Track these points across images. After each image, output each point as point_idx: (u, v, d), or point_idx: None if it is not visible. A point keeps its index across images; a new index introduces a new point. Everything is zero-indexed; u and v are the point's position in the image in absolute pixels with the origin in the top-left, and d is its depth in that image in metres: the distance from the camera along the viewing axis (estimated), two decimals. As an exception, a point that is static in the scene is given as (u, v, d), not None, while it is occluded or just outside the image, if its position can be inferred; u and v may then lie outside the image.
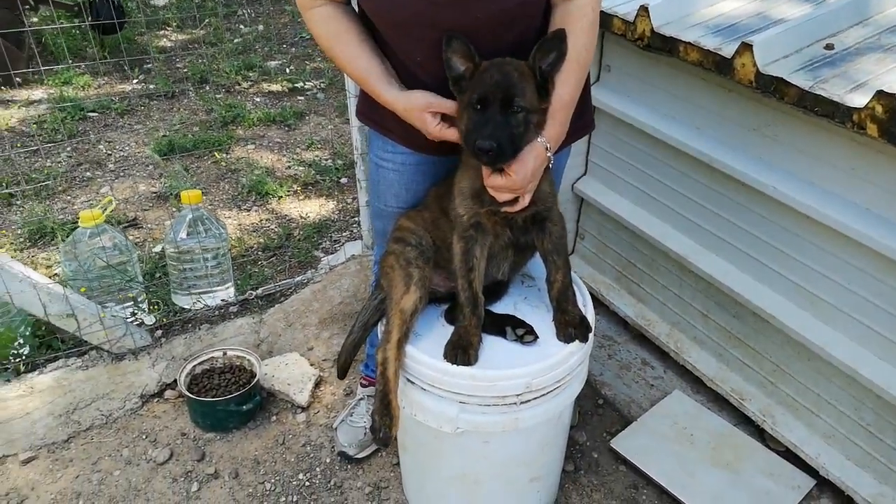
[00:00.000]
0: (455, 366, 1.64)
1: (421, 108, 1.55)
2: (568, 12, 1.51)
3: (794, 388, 2.15)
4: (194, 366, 2.45)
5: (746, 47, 1.80)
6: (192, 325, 2.70)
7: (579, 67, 1.52)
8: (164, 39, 5.86)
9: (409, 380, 1.73)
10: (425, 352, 1.69)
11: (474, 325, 1.68)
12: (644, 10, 2.07)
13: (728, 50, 1.88)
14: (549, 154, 1.53)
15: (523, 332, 1.70)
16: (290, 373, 2.55)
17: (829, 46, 1.84)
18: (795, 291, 2.04)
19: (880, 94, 1.54)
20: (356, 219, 3.47)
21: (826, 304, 1.96)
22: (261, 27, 5.90)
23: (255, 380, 2.39)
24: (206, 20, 5.98)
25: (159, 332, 2.64)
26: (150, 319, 2.67)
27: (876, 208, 1.76)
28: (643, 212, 2.49)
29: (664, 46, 2.06)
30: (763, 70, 1.79)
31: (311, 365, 2.60)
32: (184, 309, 2.77)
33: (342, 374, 1.88)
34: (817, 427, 2.12)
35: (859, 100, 1.62)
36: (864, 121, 1.60)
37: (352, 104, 2.58)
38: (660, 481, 2.14)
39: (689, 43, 1.97)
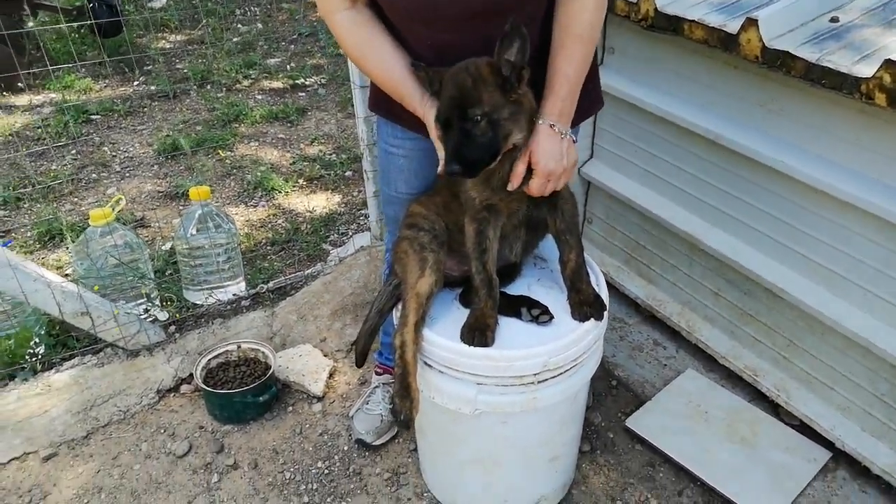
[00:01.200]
0: (472, 347, 1.65)
1: None
2: None
3: (808, 363, 2.16)
4: (209, 359, 2.46)
5: (752, 22, 1.81)
6: (204, 319, 2.71)
7: (583, 44, 1.52)
8: (164, 41, 5.87)
9: (426, 363, 1.74)
10: (442, 335, 1.70)
11: (490, 307, 1.69)
12: (647, -11, 2.08)
13: (733, 26, 1.89)
14: (556, 129, 1.53)
15: (539, 313, 1.71)
16: (305, 364, 2.56)
17: (834, 19, 1.85)
18: (807, 265, 2.05)
19: (888, 63, 1.55)
20: (363, 211, 3.48)
21: (838, 277, 1.97)
22: (259, 25, 5.91)
23: (271, 371, 2.41)
24: (204, 20, 5.99)
25: (173, 328, 2.66)
26: (163, 316, 2.69)
27: (885, 178, 1.77)
28: (651, 192, 2.50)
29: (668, 25, 2.07)
30: (769, 44, 1.80)
31: (325, 355, 2.62)
32: (196, 304, 2.78)
33: (361, 362, 1.89)
34: (832, 400, 2.13)
35: (867, 70, 1.62)
36: (873, 91, 1.61)
37: (357, 96, 2.59)
38: (676, 458, 2.16)
39: (694, 21, 1.98)
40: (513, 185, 1.56)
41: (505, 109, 1.47)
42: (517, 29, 1.42)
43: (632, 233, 2.65)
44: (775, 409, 2.30)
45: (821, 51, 1.73)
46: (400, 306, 1.77)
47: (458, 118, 1.44)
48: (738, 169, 2.14)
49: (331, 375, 2.56)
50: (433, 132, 1.56)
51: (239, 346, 2.52)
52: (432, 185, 1.88)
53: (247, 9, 6.28)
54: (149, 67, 5.31)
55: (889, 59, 1.55)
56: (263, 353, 2.50)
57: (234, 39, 5.68)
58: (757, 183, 2.10)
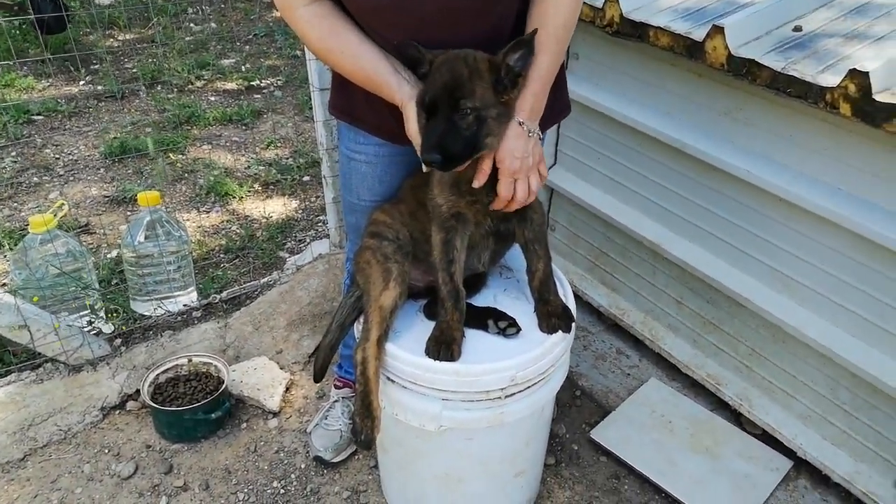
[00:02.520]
0: (438, 362, 1.58)
1: None
2: None
3: (770, 371, 2.16)
4: (157, 374, 2.34)
5: (718, 30, 1.80)
6: (153, 332, 2.58)
7: (557, 42, 1.48)
8: (112, 39, 5.65)
9: (389, 378, 1.67)
10: (406, 349, 1.63)
11: (456, 320, 1.63)
12: (612, -5, 2.05)
13: (699, 33, 1.88)
14: (525, 127, 1.49)
15: (506, 325, 1.66)
16: (260, 377, 2.46)
17: (797, 28, 1.85)
18: (770, 274, 2.05)
19: (853, 73, 1.55)
20: (321, 217, 3.38)
21: (800, 286, 1.98)
22: (213, 24, 5.74)
23: (223, 386, 2.30)
24: (155, 18, 5.79)
25: (118, 341, 2.52)
26: (108, 328, 2.55)
27: (848, 188, 1.78)
28: (615, 200, 2.48)
29: (634, 32, 2.05)
30: (735, 52, 1.79)
31: (281, 368, 2.52)
32: (144, 316, 2.65)
33: (320, 377, 1.81)
34: (794, 409, 2.13)
35: (831, 79, 1.62)
36: (837, 100, 1.61)
37: (316, 99, 2.51)
38: (641, 470, 2.13)
39: (660, 27, 1.96)
40: (478, 181, 1.50)
41: (493, 109, 1.42)
42: (528, 41, 1.41)
43: (595, 241, 2.63)
44: (738, 417, 2.30)
45: (786, 60, 1.73)
46: (362, 319, 1.69)
47: (447, 106, 1.39)
48: (703, 178, 2.13)
49: (287, 389, 2.46)
50: (411, 120, 1.48)
51: (189, 360, 2.40)
52: (396, 193, 1.81)
53: (199, 7, 6.11)
54: (95, 66, 5.10)
55: (854, 69, 1.55)
56: (216, 366, 2.39)
57: (187, 38, 5.51)
58: (721, 192, 2.10)
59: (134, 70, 5.02)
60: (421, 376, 1.61)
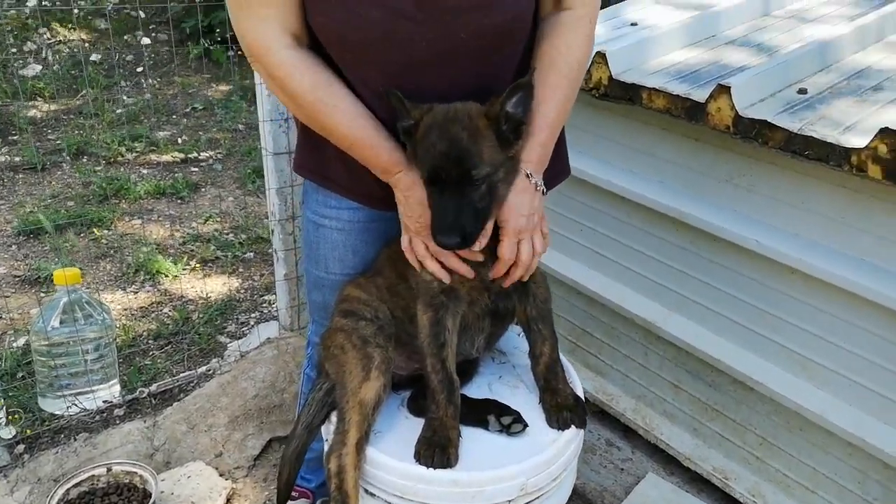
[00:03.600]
0: (432, 469, 1.28)
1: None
2: (560, 23, 1.30)
3: (785, 463, 1.94)
4: (68, 489, 1.92)
5: (723, 90, 1.66)
6: (64, 435, 2.16)
7: (568, 84, 1.30)
8: (35, 110, 5.27)
9: (367, 491, 1.36)
10: (389, 453, 1.33)
11: (451, 416, 1.34)
12: (601, 56, 1.92)
13: (700, 94, 1.74)
14: (532, 181, 1.29)
15: (510, 421, 1.39)
16: (195, 487, 2.06)
17: (802, 91, 1.74)
18: (783, 354, 1.86)
19: (885, 132, 1.42)
20: (266, 297, 3.05)
21: (820, 367, 1.79)
22: (148, 96, 5.46)
23: (151, 502, 1.89)
24: (85, 90, 5.46)
25: (21, 448, 2.09)
26: (8, 432, 2.11)
27: (872, 258, 1.63)
28: (598, 275, 2.28)
29: (624, 94, 1.91)
30: (742, 113, 1.65)
31: (221, 475, 2.13)
32: (54, 415, 2.23)
33: (285, 497, 1.46)
34: (815, 506, 1.90)
35: (857, 140, 1.49)
36: (865, 162, 1.47)
37: (269, 164, 2.25)
38: (652, 586, 1.84)
39: (655, 89, 1.82)
40: (481, 243, 1.27)
41: (502, 169, 1.23)
42: (526, 84, 1.23)
43: (577, 319, 2.41)
44: (748, 516, 2.05)
45: (801, 120, 1.60)
46: (334, 418, 1.38)
47: (457, 179, 1.18)
48: (701, 249, 1.96)
49: (228, 501, 2.07)
50: (411, 195, 1.25)
51: (109, 470, 1.99)
52: (372, 265, 1.54)
53: (134, 80, 5.82)
54: (14, 137, 4.70)
55: (886, 128, 1.42)
56: (141, 476, 1.99)
57: (118, 111, 5.19)
58: (723, 264, 1.93)
59: (58, 141, 4.64)
60: (410, 489, 1.31)
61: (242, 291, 3.12)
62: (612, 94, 1.94)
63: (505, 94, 1.21)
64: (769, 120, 1.61)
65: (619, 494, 2.14)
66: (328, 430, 1.44)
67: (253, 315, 2.94)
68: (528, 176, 1.28)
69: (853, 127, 1.57)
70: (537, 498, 1.38)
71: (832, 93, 1.74)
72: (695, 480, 2.17)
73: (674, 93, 1.79)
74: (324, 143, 1.37)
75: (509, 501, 1.33)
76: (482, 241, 1.27)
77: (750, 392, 1.94)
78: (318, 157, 1.45)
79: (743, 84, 1.68)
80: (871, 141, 1.45)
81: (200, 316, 2.89)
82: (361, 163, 1.32)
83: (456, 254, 1.30)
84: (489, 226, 1.28)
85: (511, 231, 1.29)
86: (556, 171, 1.54)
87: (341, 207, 1.49)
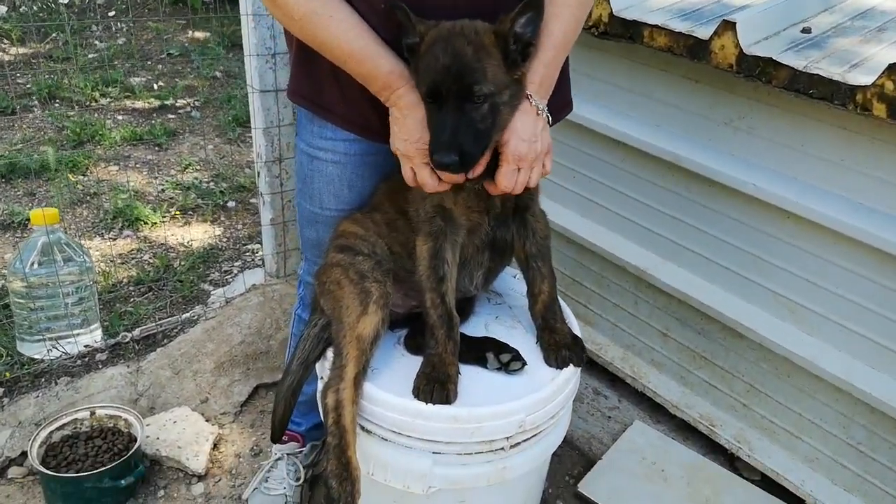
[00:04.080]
0: (431, 404, 1.26)
1: None
2: None
3: (771, 409, 1.96)
4: (51, 432, 1.88)
5: (728, 26, 1.62)
6: (45, 379, 2.11)
7: (578, 5, 1.25)
8: (2, 53, 5.06)
9: (363, 428, 1.34)
10: (387, 389, 1.31)
11: (450, 352, 1.32)
12: (602, -8, 1.86)
13: (704, 31, 1.70)
14: (533, 104, 1.24)
15: (509, 358, 1.37)
16: (181, 433, 2.03)
17: (805, 30, 1.71)
18: (774, 301, 1.86)
19: (892, 69, 1.39)
20: (249, 246, 2.99)
21: (810, 313, 1.79)
22: (121, 41, 5.26)
23: (136, 445, 1.86)
24: (54, 33, 5.24)
25: (0, 391, 2.03)
26: (-15, 375, 2.06)
27: (871, 201, 1.62)
28: (590, 222, 2.26)
29: (625, 32, 1.85)
30: (747, 51, 1.61)
31: (207, 421, 2.10)
32: (34, 360, 2.17)
33: (279, 434, 1.43)
34: (799, 451, 1.93)
35: (863, 78, 1.47)
36: (870, 101, 1.45)
37: (256, 102, 2.18)
38: (639, 527, 1.86)
39: (657, 26, 1.77)
40: (475, 170, 1.23)
41: (507, 91, 1.18)
42: (537, 2, 1.18)
43: (567, 268, 2.39)
44: (732, 461, 2.08)
45: (806, 58, 1.57)
46: (330, 354, 1.35)
47: (458, 95, 1.13)
48: (696, 194, 1.94)
49: (215, 446, 2.05)
50: (410, 114, 1.19)
51: (92, 413, 1.95)
52: (369, 200, 1.50)
53: (107, 24, 5.60)
54: (-20, 80, 4.51)
55: (893, 64, 1.39)
56: (125, 420, 1.96)
57: (90, 56, 5.00)
58: (717, 210, 1.91)
59: (28, 85, 4.46)
60: (408, 424, 1.29)
61: (225, 240, 3.06)
62: (612, 33, 1.89)
63: (515, 12, 1.17)
64: (774, 57, 1.57)
65: (606, 441, 2.15)
66: (323, 368, 1.41)
67: (236, 264, 2.88)
68: (528, 98, 1.23)
69: (859, 65, 1.54)
70: (534, 436, 1.37)
71: (836, 32, 1.71)
72: (681, 428, 2.19)
73: (676, 30, 1.74)
74: (319, 67, 1.31)
75: (507, 438, 1.32)
76: (479, 168, 1.23)
77: (739, 339, 1.95)
78: (313, 83, 1.38)
79: (747, 21, 1.64)
80: (878, 78, 1.42)
81: (182, 263, 2.82)
82: (360, 80, 1.26)
83: None
84: (487, 153, 1.24)
85: (511, 156, 1.23)
86: (559, 104, 1.49)
87: (337, 139, 1.44)
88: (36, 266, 2.13)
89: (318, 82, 1.37)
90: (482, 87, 1.15)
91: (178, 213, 3.22)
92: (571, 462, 2.10)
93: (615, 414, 2.27)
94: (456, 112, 1.14)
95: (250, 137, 3.95)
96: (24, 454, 1.89)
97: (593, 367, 2.40)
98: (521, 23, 1.18)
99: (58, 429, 1.90)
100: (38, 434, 1.85)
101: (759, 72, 1.61)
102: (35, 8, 5.68)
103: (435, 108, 1.17)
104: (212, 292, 2.62)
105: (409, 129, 1.23)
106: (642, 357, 2.26)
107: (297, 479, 1.84)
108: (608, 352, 2.33)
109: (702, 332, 2.07)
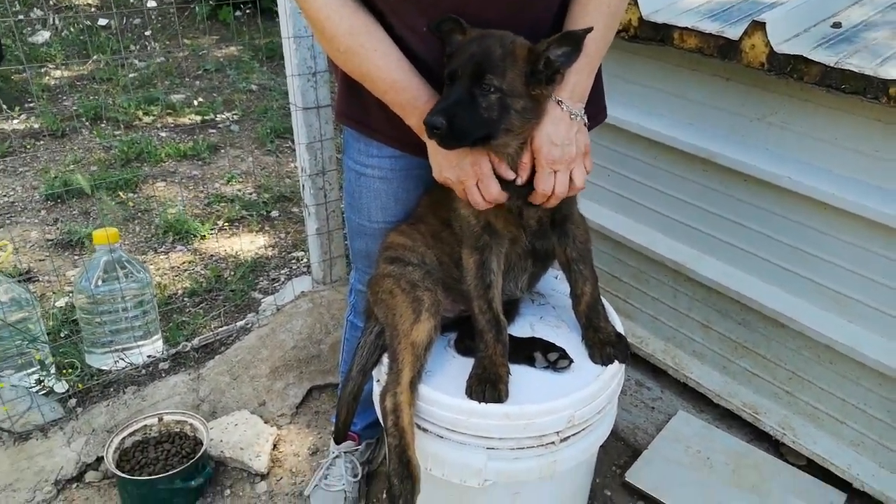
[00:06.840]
0: (484, 404, 1.34)
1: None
2: None
3: (815, 396, 1.99)
4: (123, 438, 2.00)
5: (758, 26, 1.66)
6: (114, 388, 2.24)
7: (609, 13, 1.30)
8: (47, 77, 5.27)
9: (420, 427, 1.42)
10: (442, 391, 1.38)
11: (500, 353, 1.39)
12: (630, -3, 1.91)
13: (734, 32, 1.74)
14: (565, 108, 1.29)
15: (556, 357, 1.43)
16: (242, 434, 2.14)
17: (836, 25, 1.73)
18: (815, 290, 1.89)
19: (923, 62, 1.42)
20: (295, 254, 3.10)
21: (852, 301, 1.82)
22: (160, 59, 5.43)
23: (203, 448, 1.97)
24: (95, 56, 5.44)
25: (73, 402, 2.17)
26: (61, 387, 2.19)
27: (907, 191, 1.64)
28: (627, 220, 2.31)
29: (655, 35, 1.90)
30: (777, 49, 1.65)
31: (266, 422, 2.21)
32: (102, 371, 2.30)
33: (342, 436, 1.52)
34: (844, 435, 1.96)
35: (895, 72, 1.49)
36: (903, 93, 1.48)
37: (298, 119, 2.27)
38: (687, 515, 1.91)
39: (687, 28, 1.82)
40: (521, 177, 1.31)
41: (520, 100, 1.23)
42: (577, 37, 1.23)
43: (605, 265, 2.44)
44: (777, 447, 2.12)
45: (836, 54, 1.60)
46: (386, 360, 1.43)
47: (470, 76, 1.20)
48: (732, 189, 1.98)
49: (275, 446, 2.15)
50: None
51: (160, 419, 2.07)
52: (413, 213, 1.57)
53: (144, 44, 5.79)
54: (31, 104, 4.71)
55: (924, 58, 1.42)
56: (192, 425, 2.07)
57: (131, 75, 5.18)
58: (753, 203, 1.95)
59: (74, 107, 4.65)
60: (463, 422, 1.36)
61: (271, 249, 3.17)
62: (642, 36, 1.93)
63: (555, 38, 1.22)
64: (804, 55, 1.60)
65: (650, 432, 2.20)
66: (380, 372, 1.49)
67: (283, 271, 3.00)
68: (559, 103, 1.28)
69: (891, 58, 1.57)
70: (583, 430, 1.43)
71: (867, 26, 1.73)
72: (724, 417, 2.23)
73: (706, 31, 1.78)
74: (365, 91, 1.39)
75: (557, 433, 1.38)
76: (522, 175, 1.30)
77: (780, 328, 1.98)
78: (358, 104, 1.46)
79: (777, 20, 1.68)
80: (910, 72, 1.45)
81: (232, 273, 2.94)
82: (398, 111, 1.34)
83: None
84: (526, 157, 1.29)
85: (545, 160, 1.29)
86: (593, 112, 1.54)
87: (382, 156, 1.52)
88: (100, 283, 2.26)
89: (362, 104, 1.45)
90: (494, 80, 1.20)
91: (225, 224, 3.34)
92: (617, 452, 2.16)
93: (658, 405, 2.32)
94: (464, 91, 1.20)
95: (288, 148, 4.09)
96: (98, 459, 2.02)
97: (635, 359, 2.45)
98: (557, 52, 1.23)
99: (129, 435, 2.02)
100: (112, 440, 1.97)
101: (790, 69, 1.64)
102: (75, 31, 5.89)
103: (449, 84, 1.23)
104: (262, 300, 2.73)
105: (453, 155, 1.30)
106: (683, 349, 2.31)
107: (355, 476, 1.93)
108: (649, 345, 2.38)
109: (742, 322, 2.10)
